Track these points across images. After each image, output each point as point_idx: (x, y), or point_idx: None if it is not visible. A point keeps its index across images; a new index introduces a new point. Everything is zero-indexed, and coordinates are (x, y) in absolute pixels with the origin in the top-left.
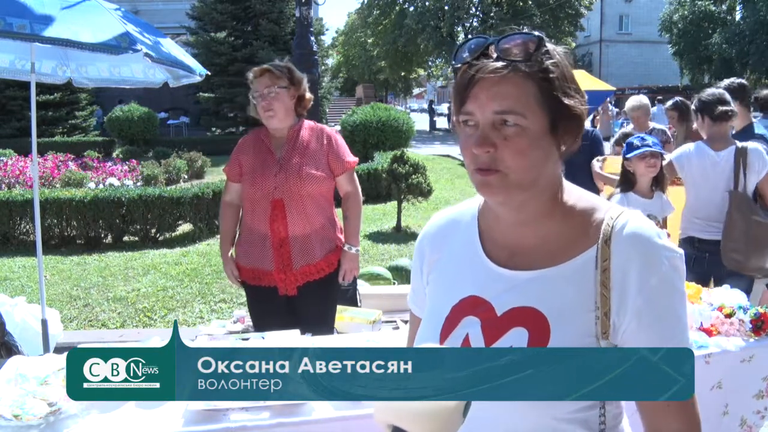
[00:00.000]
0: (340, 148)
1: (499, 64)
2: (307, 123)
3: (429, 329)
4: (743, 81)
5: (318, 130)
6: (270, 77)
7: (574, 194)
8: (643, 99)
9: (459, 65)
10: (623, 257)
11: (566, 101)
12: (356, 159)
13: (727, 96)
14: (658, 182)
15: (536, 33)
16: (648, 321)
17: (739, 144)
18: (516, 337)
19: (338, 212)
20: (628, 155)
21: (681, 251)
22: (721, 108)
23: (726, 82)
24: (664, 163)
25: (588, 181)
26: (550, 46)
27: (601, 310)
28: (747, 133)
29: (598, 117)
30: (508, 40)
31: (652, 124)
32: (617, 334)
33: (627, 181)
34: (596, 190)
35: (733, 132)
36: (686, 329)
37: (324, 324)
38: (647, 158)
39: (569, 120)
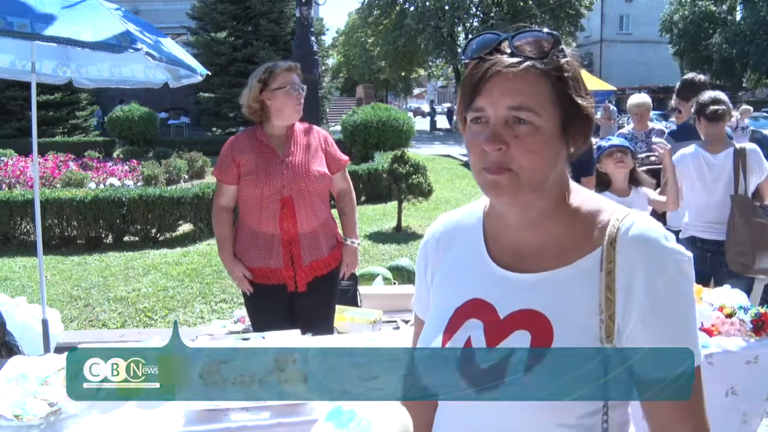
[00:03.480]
0: (334, 147)
1: (516, 59)
2: (297, 122)
3: (432, 331)
4: (693, 77)
5: (311, 130)
6: (298, 75)
7: (580, 195)
8: (646, 97)
9: (468, 60)
10: (629, 260)
11: (579, 101)
12: (347, 158)
13: (722, 96)
14: (635, 179)
15: (552, 32)
16: (654, 324)
17: (738, 145)
18: (518, 340)
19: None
20: (599, 155)
21: (690, 254)
22: (712, 107)
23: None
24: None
25: (575, 180)
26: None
27: (606, 313)
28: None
29: (601, 117)
30: (522, 36)
31: (651, 125)
32: (622, 337)
33: (602, 183)
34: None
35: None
36: (694, 333)
37: (326, 321)
38: (614, 155)
39: (580, 120)
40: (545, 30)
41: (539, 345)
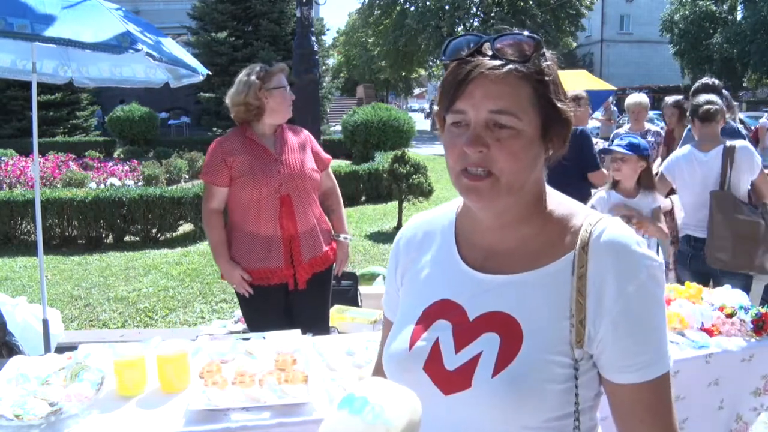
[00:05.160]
0: (318, 146)
1: (498, 62)
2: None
3: (399, 332)
4: (709, 81)
5: (297, 130)
6: (286, 77)
7: (554, 199)
8: (643, 97)
9: (449, 62)
10: (600, 264)
11: (559, 105)
12: (330, 157)
13: (716, 98)
14: (642, 182)
15: (533, 35)
16: (624, 330)
17: (728, 143)
18: (487, 343)
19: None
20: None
21: (661, 260)
22: (705, 107)
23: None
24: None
25: (578, 179)
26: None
27: (577, 317)
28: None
29: (602, 117)
30: (504, 39)
31: (648, 126)
32: (593, 343)
33: (612, 180)
34: (588, 189)
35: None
36: (664, 339)
37: (324, 318)
38: (614, 162)
39: (559, 124)
40: (526, 33)
41: (508, 348)
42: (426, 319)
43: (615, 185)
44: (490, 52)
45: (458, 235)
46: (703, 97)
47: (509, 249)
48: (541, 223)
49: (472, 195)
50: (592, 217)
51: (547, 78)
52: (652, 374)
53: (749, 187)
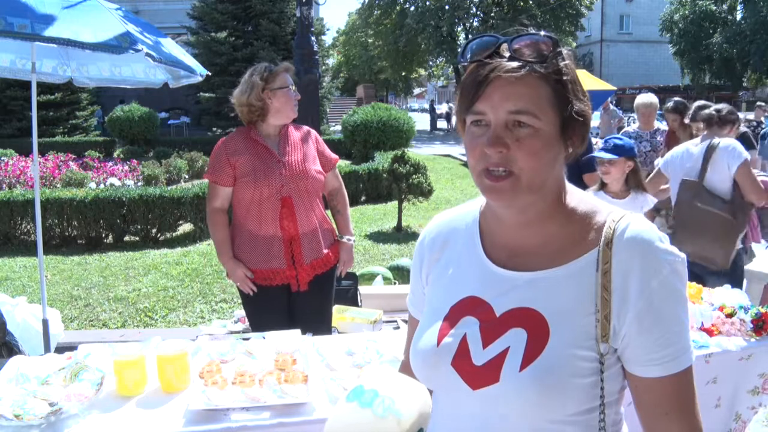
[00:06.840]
0: (325, 146)
1: (516, 63)
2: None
3: (427, 329)
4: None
5: (302, 129)
6: (292, 76)
7: (575, 197)
8: (653, 98)
9: (467, 63)
10: (624, 261)
11: (577, 104)
12: (337, 156)
13: (706, 104)
14: (630, 182)
15: (550, 35)
16: (649, 324)
17: (715, 140)
18: (514, 338)
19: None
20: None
21: (683, 255)
22: (704, 112)
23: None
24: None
25: (579, 178)
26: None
27: (602, 313)
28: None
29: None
30: (521, 39)
31: (656, 125)
32: (618, 337)
33: (602, 181)
34: (587, 188)
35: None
36: (687, 333)
37: (326, 319)
38: (601, 166)
39: (579, 123)
40: (543, 33)
41: (535, 343)
42: (453, 316)
43: (602, 186)
44: (507, 54)
45: (482, 232)
46: (700, 104)
47: (533, 246)
48: (563, 221)
49: (494, 195)
50: (615, 214)
51: (565, 78)
52: (676, 368)
53: (731, 183)
